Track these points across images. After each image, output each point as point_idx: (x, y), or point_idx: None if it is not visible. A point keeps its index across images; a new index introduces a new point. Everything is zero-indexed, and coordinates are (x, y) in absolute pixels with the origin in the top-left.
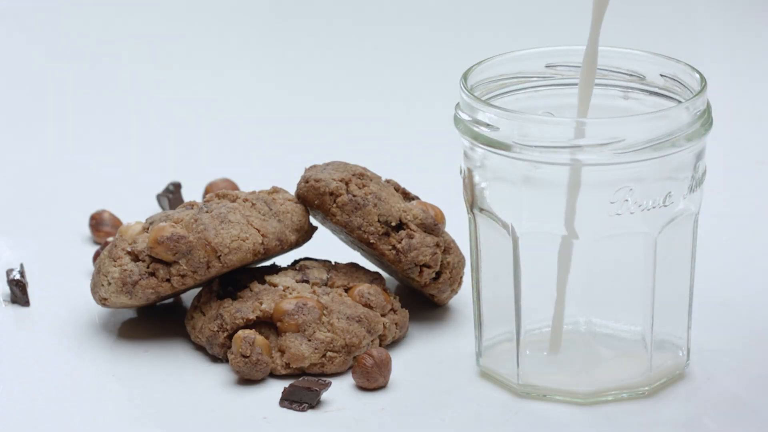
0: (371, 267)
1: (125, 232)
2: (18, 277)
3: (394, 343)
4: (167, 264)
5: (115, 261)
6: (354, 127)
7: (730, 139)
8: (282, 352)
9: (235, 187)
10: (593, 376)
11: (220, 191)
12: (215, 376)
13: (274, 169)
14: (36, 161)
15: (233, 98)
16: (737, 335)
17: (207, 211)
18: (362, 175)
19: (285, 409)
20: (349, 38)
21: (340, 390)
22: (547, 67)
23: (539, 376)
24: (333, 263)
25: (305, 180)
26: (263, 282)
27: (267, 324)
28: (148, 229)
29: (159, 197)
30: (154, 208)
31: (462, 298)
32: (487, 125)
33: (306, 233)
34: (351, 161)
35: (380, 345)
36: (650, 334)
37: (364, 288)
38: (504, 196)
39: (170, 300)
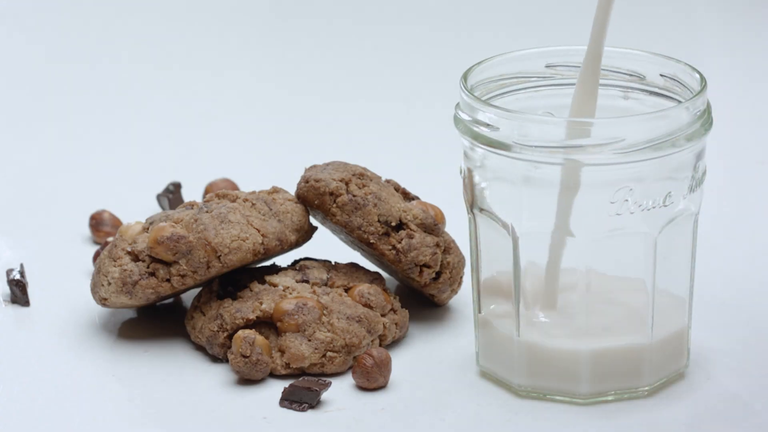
0: (371, 267)
1: (125, 232)
2: (18, 277)
3: (394, 343)
4: (167, 264)
5: (115, 261)
6: (354, 127)
7: (730, 139)
8: (282, 352)
9: (235, 187)
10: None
11: (220, 191)
12: (215, 376)
13: (274, 169)
14: (36, 161)
15: (233, 98)
16: (737, 335)
17: (207, 211)
18: (362, 175)
19: (285, 409)
20: (349, 38)
21: (340, 390)
22: (547, 67)
23: (540, 376)
24: (333, 263)
25: (305, 180)
26: (263, 282)
27: (267, 324)
28: (148, 229)
29: (159, 197)
30: (154, 208)
31: (462, 298)
32: (487, 125)
33: (306, 233)
34: (351, 161)
35: (380, 345)
36: (650, 334)
37: (364, 288)
38: (504, 196)
39: (170, 300)
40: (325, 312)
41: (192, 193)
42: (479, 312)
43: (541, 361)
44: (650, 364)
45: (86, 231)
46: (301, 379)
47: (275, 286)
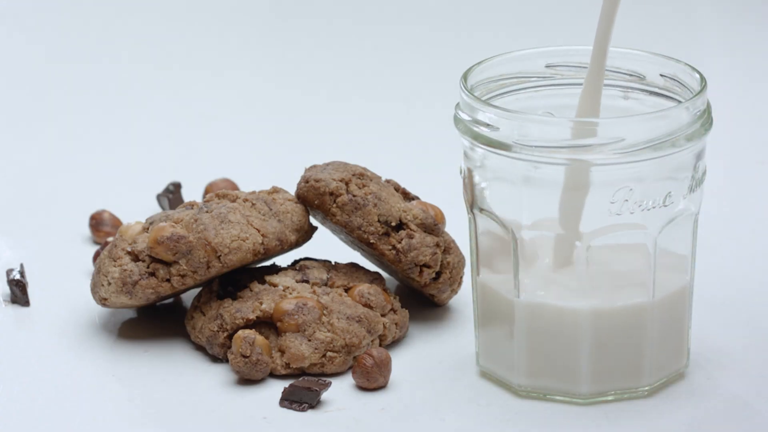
0: (371, 267)
1: (125, 232)
2: (18, 277)
3: (394, 343)
4: (167, 264)
5: (115, 261)
6: (354, 127)
7: (730, 139)
8: (282, 352)
9: (235, 187)
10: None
11: (220, 191)
12: (215, 376)
13: (274, 169)
14: (36, 161)
15: (233, 98)
16: (737, 335)
17: (207, 211)
18: (362, 175)
19: (285, 409)
20: (349, 38)
21: (340, 390)
22: (547, 67)
23: (539, 376)
24: (333, 263)
25: (305, 180)
26: (263, 282)
27: (267, 324)
28: (148, 229)
29: (159, 197)
30: (154, 208)
31: (462, 298)
32: (487, 125)
33: (306, 233)
34: (351, 161)
35: (380, 345)
36: (651, 335)
37: (364, 288)
38: (504, 196)
39: (170, 300)
40: (325, 312)
41: (192, 193)
42: (477, 275)
43: (541, 332)
44: (651, 356)
45: (86, 231)
46: (301, 379)
47: (275, 286)
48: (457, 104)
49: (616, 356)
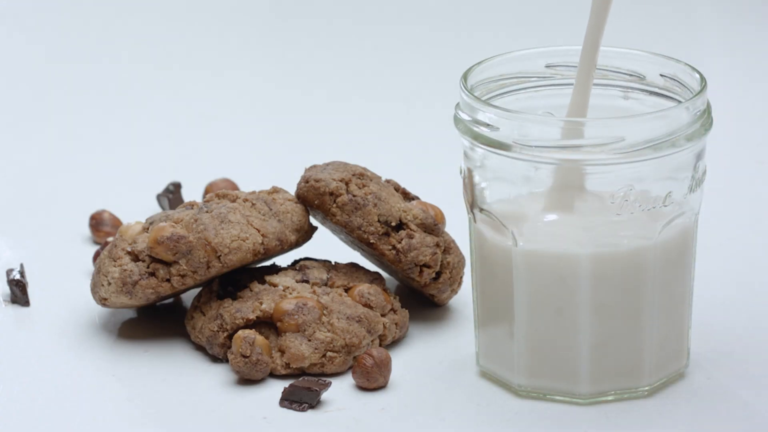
0: (371, 267)
1: (125, 232)
2: (18, 277)
3: (394, 343)
4: (167, 264)
5: (115, 261)
6: (354, 127)
7: (730, 139)
8: (282, 352)
9: (235, 187)
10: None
11: (220, 191)
12: (215, 376)
13: (274, 169)
14: (36, 161)
15: (233, 98)
16: (737, 335)
17: (207, 211)
18: (362, 175)
19: (285, 409)
20: (349, 38)
21: (340, 390)
22: (547, 67)
23: (539, 376)
24: (333, 263)
25: (305, 180)
26: (263, 282)
27: (267, 324)
28: (148, 229)
29: (159, 197)
30: (154, 208)
31: (462, 298)
32: (487, 125)
33: (306, 233)
34: (351, 161)
35: (380, 345)
36: (651, 335)
37: (364, 288)
38: (504, 196)
39: (170, 300)
40: (325, 312)
41: (192, 193)
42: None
43: (538, 280)
44: (651, 332)
45: (86, 231)
46: (301, 379)
47: (275, 286)
48: (457, 104)
49: (616, 311)
